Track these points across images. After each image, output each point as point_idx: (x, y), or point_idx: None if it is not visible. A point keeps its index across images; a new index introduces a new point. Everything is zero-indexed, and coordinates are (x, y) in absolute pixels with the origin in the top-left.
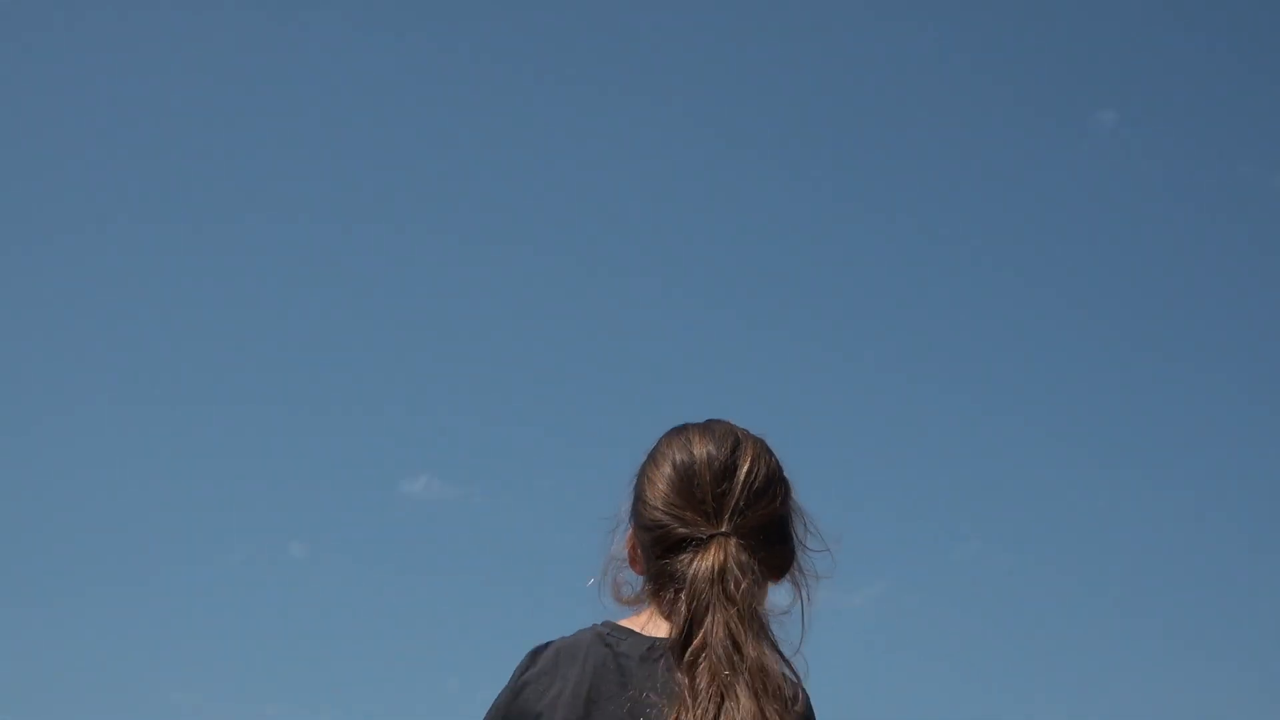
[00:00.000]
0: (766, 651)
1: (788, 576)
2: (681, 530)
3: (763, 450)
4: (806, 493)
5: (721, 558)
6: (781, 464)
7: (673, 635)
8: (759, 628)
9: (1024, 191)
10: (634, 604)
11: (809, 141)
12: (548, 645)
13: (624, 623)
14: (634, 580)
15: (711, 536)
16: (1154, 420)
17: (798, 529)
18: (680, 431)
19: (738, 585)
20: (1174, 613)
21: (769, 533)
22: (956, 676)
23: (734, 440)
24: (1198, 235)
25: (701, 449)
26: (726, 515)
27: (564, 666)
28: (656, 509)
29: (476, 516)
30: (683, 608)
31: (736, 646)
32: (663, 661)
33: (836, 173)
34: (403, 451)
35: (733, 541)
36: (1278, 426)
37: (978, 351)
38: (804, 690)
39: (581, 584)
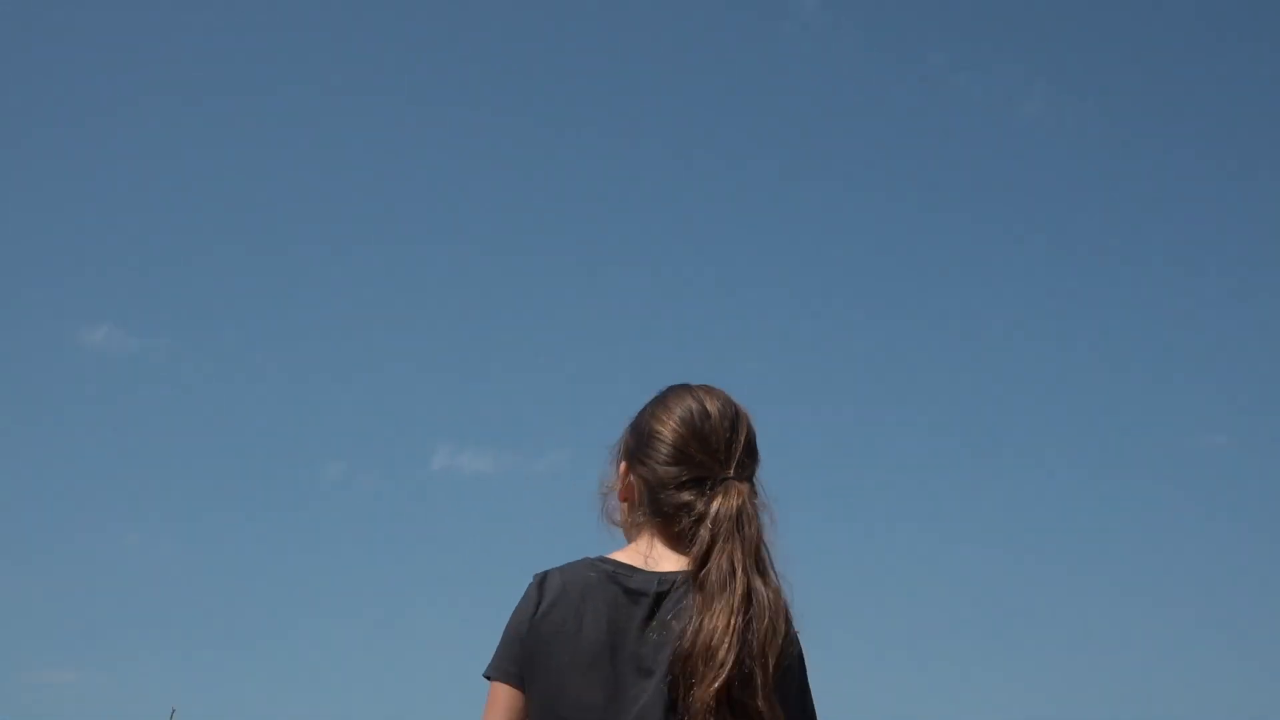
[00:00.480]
0: (759, 581)
1: None
2: (695, 472)
3: (749, 416)
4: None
5: (739, 500)
6: None
7: (693, 564)
8: (762, 561)
9: (725, 75)
10: (622, 527)
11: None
12: (548, 575)
13: (618, 556)
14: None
15: (725, 479)
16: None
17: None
18: (686, 388)
19: (750, 523)
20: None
21: (753, 484)
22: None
23: (733, 404)
24: (889, 119)
25: (713, 405)
26: (734, 463)
27: (575, 600)
28: (672, 449)
29: (159, 369)
30: (705, 538)
31: (733, 573)
32: (675, 592)
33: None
34: (80, 299)
35: (746, 485)
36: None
37: (678, 236)
38: (795, 634)
39: (269, 436)
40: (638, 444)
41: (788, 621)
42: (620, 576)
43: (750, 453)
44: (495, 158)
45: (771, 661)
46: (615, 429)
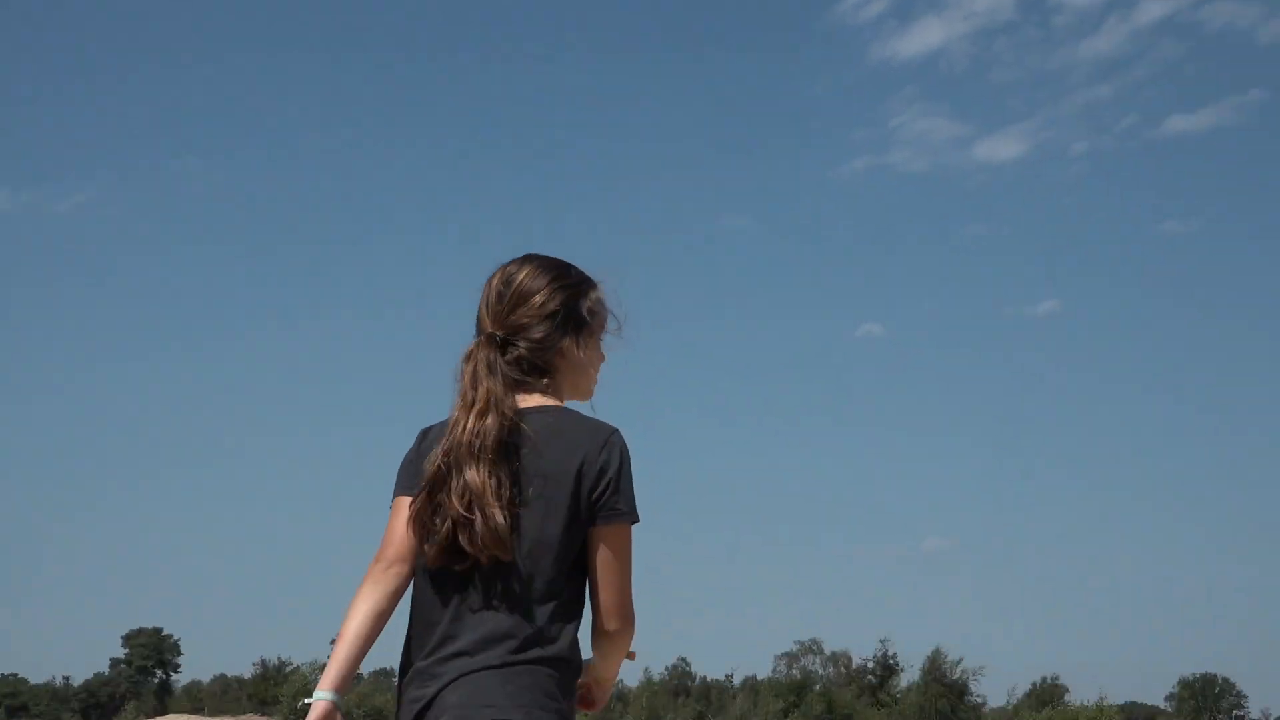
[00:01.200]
0: (482, 423)
1: (557, 356)
2: (475, 335)
3: (538, 273)
4: None
5: (470, 351)
6: (568, 285)
7: None
8: (465, 396)
9: None
10: None
11: None
12: (430, 427)
13: None
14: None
15: (478, 336)
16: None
17: (560, 323)
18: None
19: (476, 373)
20: None
21: (527, 330)
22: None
23: (519, 266)
24: None
25: (500, 274)
26: (492, 320)
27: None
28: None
29: None
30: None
31: (463, 419)
32: None
33: None
34: None
35: (486, 341)
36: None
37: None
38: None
39: None
40: None
41: (490, 442)
42: None
43: (513, 306)
44: None
45: (483, 489)
46: (154, 167)
